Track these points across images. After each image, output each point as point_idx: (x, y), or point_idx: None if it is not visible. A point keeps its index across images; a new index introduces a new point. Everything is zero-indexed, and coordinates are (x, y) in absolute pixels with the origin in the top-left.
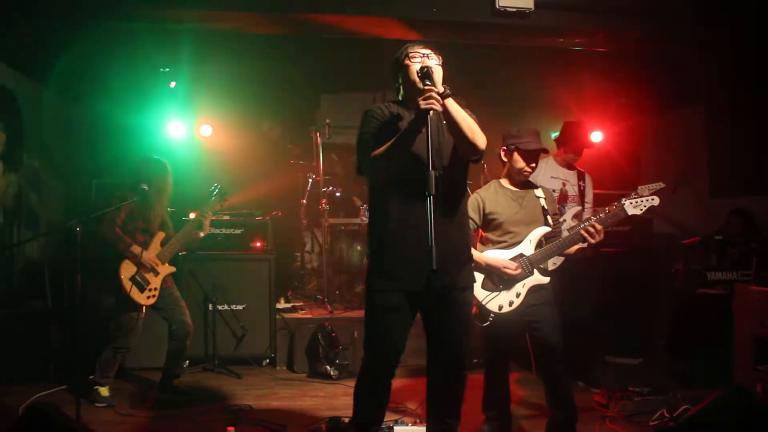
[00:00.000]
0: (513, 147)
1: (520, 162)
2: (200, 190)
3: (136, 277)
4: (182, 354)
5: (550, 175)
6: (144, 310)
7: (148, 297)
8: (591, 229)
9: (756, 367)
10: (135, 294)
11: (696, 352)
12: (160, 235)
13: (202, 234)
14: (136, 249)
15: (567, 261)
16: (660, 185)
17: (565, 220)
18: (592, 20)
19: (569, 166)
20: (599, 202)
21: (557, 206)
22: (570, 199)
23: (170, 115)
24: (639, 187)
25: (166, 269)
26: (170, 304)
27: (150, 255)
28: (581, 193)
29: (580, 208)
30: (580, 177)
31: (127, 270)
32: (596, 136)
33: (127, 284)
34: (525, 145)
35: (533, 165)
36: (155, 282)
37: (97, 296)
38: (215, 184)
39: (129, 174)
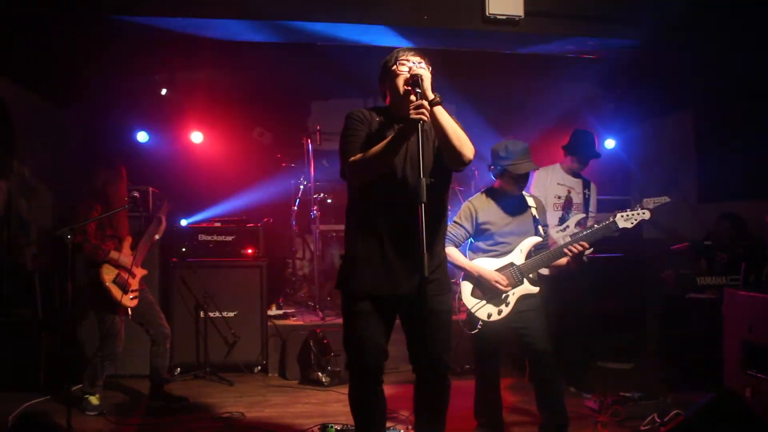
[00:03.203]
0: (500, 169)
1: (510, 184)
2: (192, 197)
3: (118, 279)
4: (165, 358)
5: (556, 181)
6: (129, 312)
7: (132, 298)
8: (574, 250)
9: (746, 371)
10: (119, 296)
11: (686, 356)
12: (129, 240)
13: (157, 236)
14: (114, 254)
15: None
16: (665, 199)
17: (567, 226)
18: (581, 27)
19: (575, 174)
20: None
21: (562, 212)
22: (575, 206)
23: (161, 122)
24: (644, 200)
25: (141, 271)
26: (145, 308)
27: (127, 258)
28: (586, 201)
29: (584, 215)
30: (586, 185)
31: (108, 274)
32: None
33: (112, 287)
34: (514, 169)
35: (523, 185)
36: (134, 283)
37: (82, 303)
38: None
39: (92, 182)
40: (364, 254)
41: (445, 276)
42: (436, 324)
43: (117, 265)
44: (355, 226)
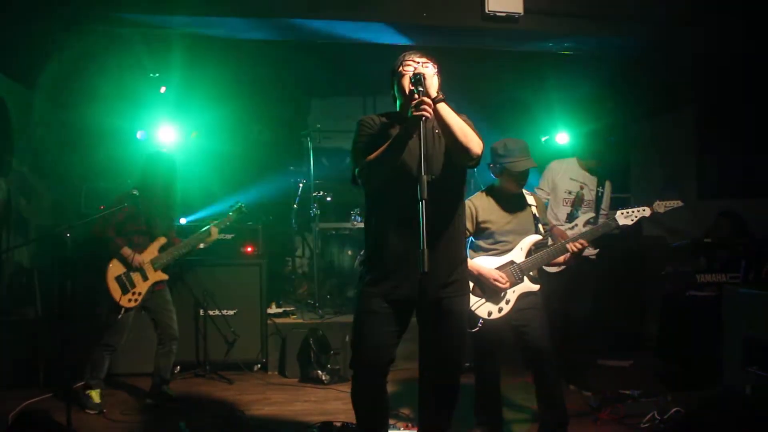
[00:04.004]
0: (500, 167)
1: (510, 182)
2: (191, 195)
3: (122, 277)
4: (169, 358)
5: (569, 176)
6: (123, 312)
7: (130, 300)
8: (574, 248)
9: (745, 368)
10: (116, 294)
11: (686, 354)
12: (160, 240)
13: (202, 245)
14: (126, 251)
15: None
16: (678, 203)
17: (576, 225)
18: (581, 25)
19: (592, 171)
20: None
21: (570, 208)
22: (585, 203)
23: (160, 121)
24: (655, 203)
25: (157, 276)
26: (160, 306)
27: (142, 258)
28: (598, 199)
29: (593, 214)
30: (601, 182)
31: (114, 269)
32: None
33: (111, 283)
34: (512, 167)
35: (523, 183)
36: (142, 286)
37: (88, 295)
38: (238, 202)
39: (138, 171)
40: (379, 255)
41: (466, 277)
42: (452, 325)
43: (127, 263)
44: (371, 228)
